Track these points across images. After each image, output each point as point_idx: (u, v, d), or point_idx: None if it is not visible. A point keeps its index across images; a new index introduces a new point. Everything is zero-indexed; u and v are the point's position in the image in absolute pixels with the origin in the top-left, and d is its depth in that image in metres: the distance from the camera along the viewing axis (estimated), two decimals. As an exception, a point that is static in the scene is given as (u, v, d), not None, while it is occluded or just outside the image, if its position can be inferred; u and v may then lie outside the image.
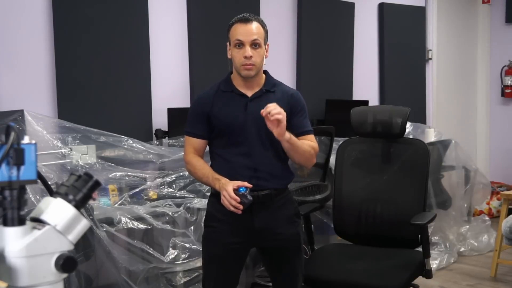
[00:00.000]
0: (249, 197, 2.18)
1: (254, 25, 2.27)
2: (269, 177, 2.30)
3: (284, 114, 2.14)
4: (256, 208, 2.28)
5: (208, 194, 2.49)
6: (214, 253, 2.35)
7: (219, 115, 2.30)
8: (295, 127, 2.36)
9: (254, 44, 2.26)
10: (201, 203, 3.17)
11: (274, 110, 2.11)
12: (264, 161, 2.31)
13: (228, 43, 2.33)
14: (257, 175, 2.28)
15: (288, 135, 2.20)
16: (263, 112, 2.13)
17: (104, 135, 3.26)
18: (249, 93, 2.33)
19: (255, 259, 3.42)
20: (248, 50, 2.24)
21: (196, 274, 3.15)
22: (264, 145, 2.29)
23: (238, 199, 2.16)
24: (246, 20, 2.28)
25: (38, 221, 1.10)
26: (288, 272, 2.42)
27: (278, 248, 2.38)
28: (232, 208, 2.17)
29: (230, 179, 2.25)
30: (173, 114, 3.68)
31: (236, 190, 2.17)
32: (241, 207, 2.16)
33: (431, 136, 4.87)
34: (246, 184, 2.20)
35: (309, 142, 2.36)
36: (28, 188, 1.60)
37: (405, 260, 2.76)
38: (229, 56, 2.34)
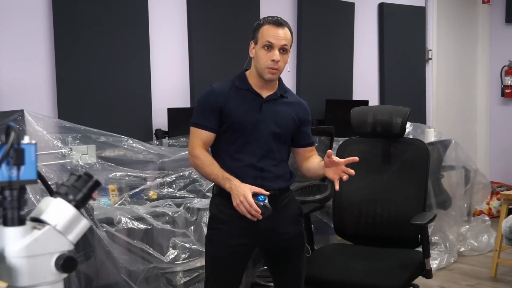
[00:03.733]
0: (270, 207, 2.15)
1: (286, 31, 2.28)
2: (274, 178, 2.30)
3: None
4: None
5: (208, 194, 2.48)
6: (219, 254, 2.32)
7: (234, 112, 2.28)
8: (304, 138, 2.43)
9: (283, 49, 2.26)
10: (201, 203, 3.17)
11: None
12: (270, 162, 2.31)
13: (252, 41, 2.31)
14: (263, 175, 2.28)
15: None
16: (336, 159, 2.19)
17: (104, 135, 3.26)
18: (264, 94, 2.33)
19: (255, 259, 3.41)
20: (277, 54, 2.23)
21: (196, 274, 3.15)
22: (272, 146, 2.30)
23: (260, 210, 2.14)
24: (279, 24, 2.27)
25: (38, 221, 1.10)
26: (292, 271, 2.42)
27: (282, 248, 2.37)
28: (249, 216, 2.16)
29: (236, 177, 2.24)
30: (173, 114, 3.68)
31: (254, 198, 2.16)
32: (261, 217, 2.15)
33: (431, 136, 4.87)
34: (263, 191, 2.17)
35: (320, 160, 2.39)
36: (28, 188, 1.60)
37: (405, 260, 2.76)
38: (251, 55, 2.32)
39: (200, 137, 2.30)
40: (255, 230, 2.28)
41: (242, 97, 2.31)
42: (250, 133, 2.27)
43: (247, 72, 2.36)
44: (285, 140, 2.38)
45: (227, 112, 2.28)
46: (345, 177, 2.18)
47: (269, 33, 2.25)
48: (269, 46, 2.24)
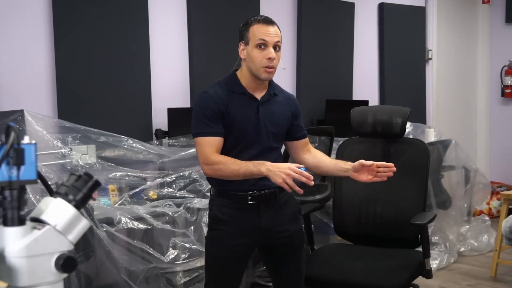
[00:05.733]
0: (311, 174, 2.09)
1: (276, 28, 2.27)
2: None
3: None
4: (262, 208, 2.29)
5: (208, 194, 2.48)
6: (220, 255, 2.32)
7: (235, 116, 2.25)
8: (298, 130, 2.46)
9: (276, 47, 2.24)
10: (201, 203, 3.18)
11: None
12: (269, 160, 2.29)
13: (242, 42, 2.27)
14: None
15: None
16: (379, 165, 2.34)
17: (104, 135, 3.26)
18: (258, 96, 2.32)
19: (255, 259, 3.41)
20: (273, 52, 2.21)
21: (196, 274, 3.15)
22: (271, 145, 2.32)
23: (311, 176, 2.04)
24: (270, 22, 2.26)
25: (38, 221, 1.10)
26: (293, 268, 2.43)
27: (283, 245, 2.38)
28: (297, 189, 2.04)
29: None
30: (173, 114, 3.68)
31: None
32: (312, 183, 2.03)
33: (431, 136, 4.87)
34: (299, 165, 2.10)
35: (329, 159, 2.56)
36: (28, 188, 1.60)
37: (405, 260, 2.76)
38: (242, 56, 2.28)
39: (211, 144, 2.22)
40: (256, 229, 2.29)
41: (240, 101, 2.29)
42: (252, 136, 2.28)
43: (238, 74, 2.33)
44: (281, 138, 2.42)
45: (229, 117, 2.25)
46: (378, 179, 2.37)
47: (261, 31, 2.22)
48: (263, 45, 2.22)
